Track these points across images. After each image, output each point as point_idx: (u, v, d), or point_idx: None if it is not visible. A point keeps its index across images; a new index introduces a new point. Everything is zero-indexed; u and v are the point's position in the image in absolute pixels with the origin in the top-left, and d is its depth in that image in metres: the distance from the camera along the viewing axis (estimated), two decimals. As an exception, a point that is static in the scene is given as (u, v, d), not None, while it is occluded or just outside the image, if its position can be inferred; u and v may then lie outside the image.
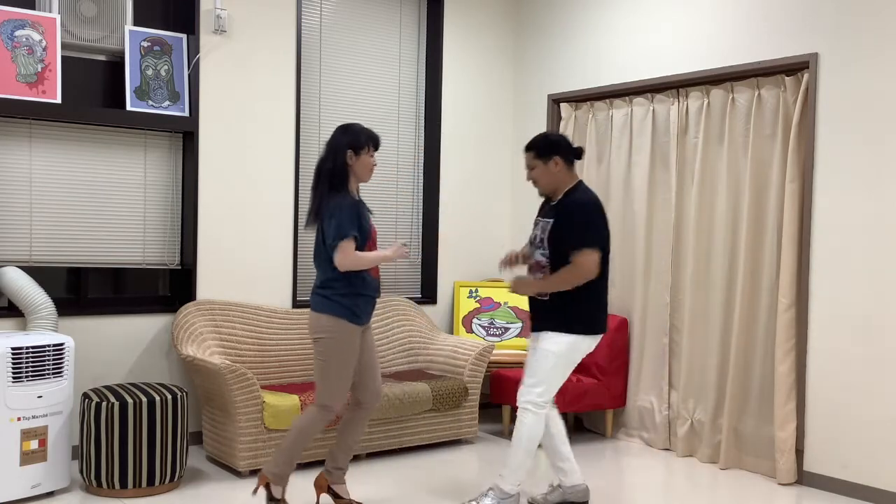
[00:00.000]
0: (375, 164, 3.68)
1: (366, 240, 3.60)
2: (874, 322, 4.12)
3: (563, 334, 3.66)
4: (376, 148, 3.67)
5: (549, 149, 3.73)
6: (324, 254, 3.58)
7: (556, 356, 3.67)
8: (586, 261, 3.58)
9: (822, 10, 4.31)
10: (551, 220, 3.70)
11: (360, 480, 4.28)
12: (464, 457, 4.80)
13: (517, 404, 3.77)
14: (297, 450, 3.63)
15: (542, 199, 3.93)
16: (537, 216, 3.89)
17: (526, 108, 6.07)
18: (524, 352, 5.53)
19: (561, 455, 3.90)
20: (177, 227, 4.89)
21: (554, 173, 3.73)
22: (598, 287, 3.69)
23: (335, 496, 3.80)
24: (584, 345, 3.70)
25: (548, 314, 3.70)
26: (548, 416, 3.83)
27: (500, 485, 3.76)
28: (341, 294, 3.56)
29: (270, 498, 3.63)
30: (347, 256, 3.50)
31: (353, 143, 3.60)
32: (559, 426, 3.91)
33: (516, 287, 3.77)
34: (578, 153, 3.79)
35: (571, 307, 3.65)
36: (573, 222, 3.63)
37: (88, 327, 4.52)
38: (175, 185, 4.88)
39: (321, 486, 3.80)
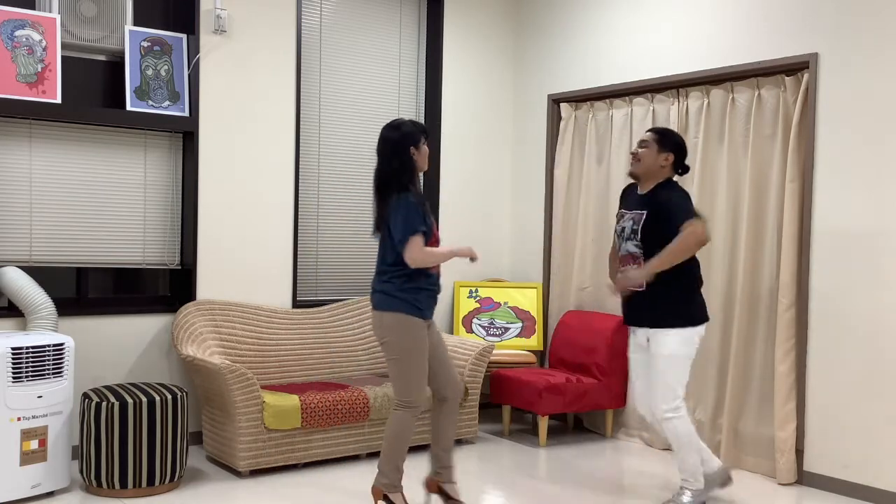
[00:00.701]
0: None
1: (429, 236, 3.58)
2: (874, 322, 4.12)
3: (671, 330, 3.73)
4: (428, 136, 3.68)
5: (670, 144, 3.85)
6: (389, 250, 3.56)
7: (670, 358, 3.74)
8: (696, 228, 3.62)
9: (822, 10, 4.31)
10: (644, 212, 3.78)
11: (360, 479, 4.28)
12: (464, 457, 4.80)
13: (657, 417, 3.82)
14: (400, 455, 3.62)
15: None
16: (621, 209, 3.98)
17: (526, 108, 6.07)
18: (524, 352, 5.53)
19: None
20: (177, 227, 4.89)
21: (658, 163, 3.84)
22: (692, 277, 3.78)
23: (446, 497, 3.78)
24: (695, 335, 3.77)
25: (651, 309, 3.77)
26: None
27: (686, 486, 3.87)
28: (402, 289, 3.55)
29: None
30: (418, 251, 3.47)
31: (411, 138, 3.60)
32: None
33: (623, 284, 3.76)
34: (685, 169, 3.91)
35: (670, 303, 3.74)
36: (670, 207, 3.71)
37: (88, 327, 4.52)
38: (175, 185, 4.89)
39: (431, 488, 3.79)
